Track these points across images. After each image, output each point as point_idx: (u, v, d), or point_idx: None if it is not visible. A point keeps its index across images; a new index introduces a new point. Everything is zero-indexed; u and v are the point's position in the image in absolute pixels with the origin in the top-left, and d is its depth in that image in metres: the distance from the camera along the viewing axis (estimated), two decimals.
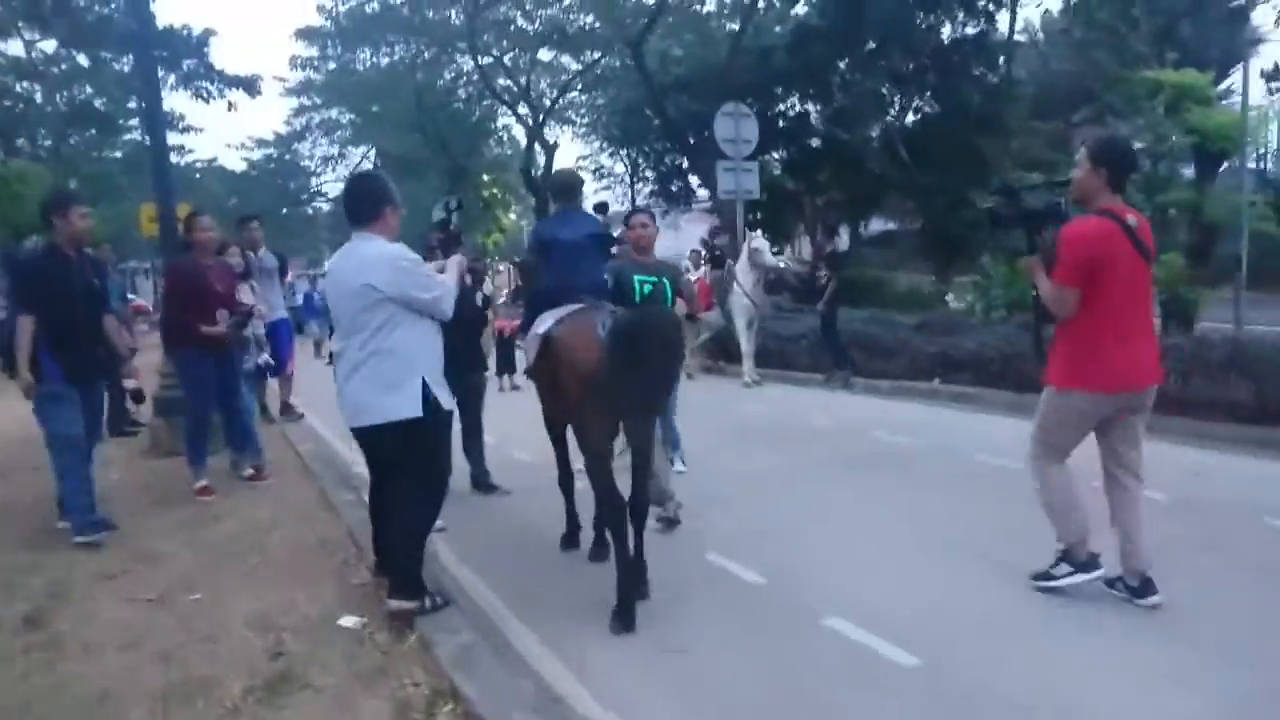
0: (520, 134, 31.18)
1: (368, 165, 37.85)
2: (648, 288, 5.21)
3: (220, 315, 6.56)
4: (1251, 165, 24.82)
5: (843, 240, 16.33)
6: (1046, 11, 27.51)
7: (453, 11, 25.33)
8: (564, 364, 4.31)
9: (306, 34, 27.71)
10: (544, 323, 4.59)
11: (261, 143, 40.19)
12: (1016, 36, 23.99)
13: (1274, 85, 31.53)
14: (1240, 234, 18.14)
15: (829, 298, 10.82)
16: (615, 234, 5.66)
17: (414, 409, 3.90)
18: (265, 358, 8.11)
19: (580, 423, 4.37)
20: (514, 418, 7.27)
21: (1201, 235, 20.63)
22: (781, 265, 12.09)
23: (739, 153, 12.52)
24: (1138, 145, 27.40)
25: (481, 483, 6.56)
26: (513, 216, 50.83)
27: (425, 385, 3.93)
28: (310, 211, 44.49)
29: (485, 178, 36.44)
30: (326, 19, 26.81)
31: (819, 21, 22.56)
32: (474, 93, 30.34)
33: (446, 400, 4.05)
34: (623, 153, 31.41)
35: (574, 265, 4.87)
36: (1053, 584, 4.21)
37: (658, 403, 4.46)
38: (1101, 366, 3.98)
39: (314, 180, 41.68)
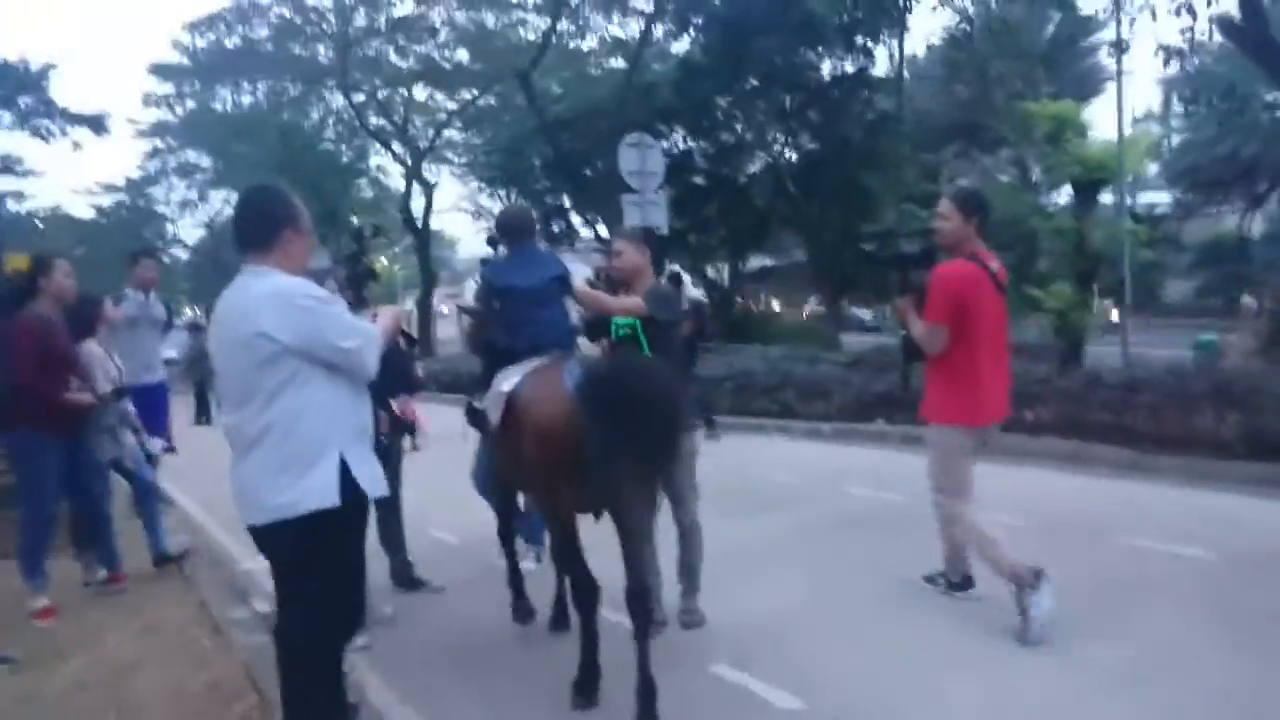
0: (398, 173, 29.86)
1: (229, 210, 35.98)
2: (623, 331, 4.35)
3: (77, 384, 5.27)
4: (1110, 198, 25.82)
5: (690, 290, 15.62)
6: (930, 47, 27.96)
7: (321, 47, 23.98)
8: (527, 426, 3.57)
9: (162, 70, 25.83)
10: (508, 378, 3.80)
11: (111, 188, 37.49)
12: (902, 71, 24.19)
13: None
14: (1122, 261, 18.47)
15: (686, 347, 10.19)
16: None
17: (326, 497, 2.87)
18: (160, 443, 6.64)
19: (547, 496, 3.62)
20: (424, 488, 6.08)
21: (1085, 263, 21.19)
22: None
23: (645, 186, 11.80)
24: (1004, 178, 28.21)
25: (404, 576, 5.32)
26: (384, 261, 49.24)
27: (344, 464, 2.92)
28: (167, 260, 41.71)
29: (355, 220, 34.91)
30: (184, 54, 25.06)
31: (703, 58, 22.32)
32: (344, 132, 28.92)
33: (374, 483, 3.02)
34: (502, 193, 30.65)
35: (534, 316, 4.08)
36: (1035, 624, 4.04)
37: (652, 472, 3.60)
38: (976, 400, 4.29)
39: (170, 227, 39.14)
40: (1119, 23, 14.66)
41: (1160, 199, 32.91)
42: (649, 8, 22.70)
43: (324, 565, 2.95)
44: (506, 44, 24.45)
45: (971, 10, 20.02)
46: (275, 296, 2.86)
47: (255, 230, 3.02)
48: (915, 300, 4.38)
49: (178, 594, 5.50)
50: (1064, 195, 32.36)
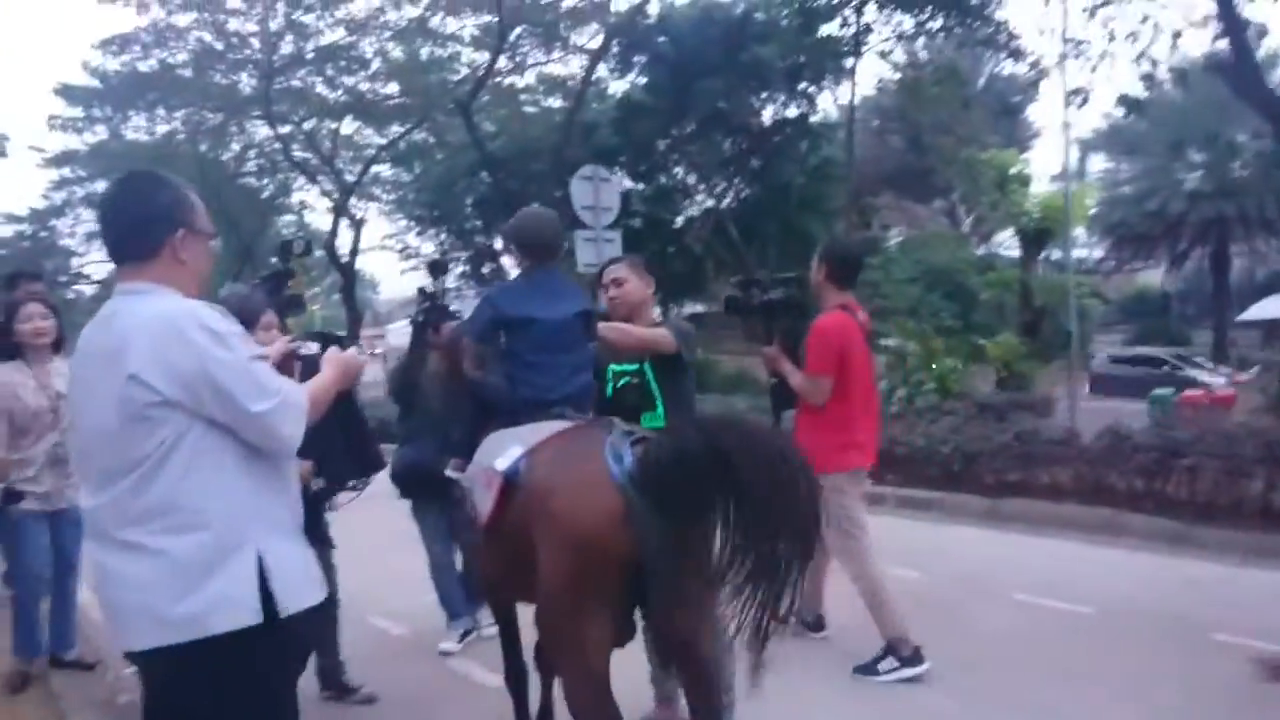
0: (323, 208, 28.59)
1: None
2: (626, 379, 3.51)
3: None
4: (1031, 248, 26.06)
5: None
6: (881, 88, 28.02)
7: (245, 75, 22.79)
8: (548, 526, 2.51)
9: (69, 93, 24.26)
10: (505, 451, 2.80)
11: (12, 218, 35.26)
12: (837, 116, 24.11)
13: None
14: (1069, 311, 18.26)
15: None
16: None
17: (239, 613, 1.98)
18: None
19: (572, 627, 2.51)
20: (360, 560, 4.71)
21: (1032, 314, 21.16)
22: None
23: (599, 221, 11.01)
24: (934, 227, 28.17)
25: (334, 679, 4.26)
26: (315, 289, 47.64)
27: (261, 568, 2.01)
28: (71, 295, 39.40)
29: (274, 260, 33.47)
30: (94, 77, 23.58)
31: (645, 98, 21.87)
32: (267, 165, 27.62)
33: (305, 591, 2.11)
34: (431, 231, 29.70)
35: (553, 361, 3.12)
36: (877, 678, 4.18)
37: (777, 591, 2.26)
38: (859, 445, 4.40)
39: (75, 260, 36.94)
40: (1063, 71, 14.55)
41: (1081, 253, 33.56)
42: (592, 45, 22.19)
43: (236, 708, 2.02)
44: (440, 78, 23.61)
45: (923, 56, 19.92)
46: (156, 325, 1.97)
47: (130, 232, 2.11)
48: (784, 349, 4.41)
49: (36, 706, 4.23)
50: (994, 245, 32.77)
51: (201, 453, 1.99)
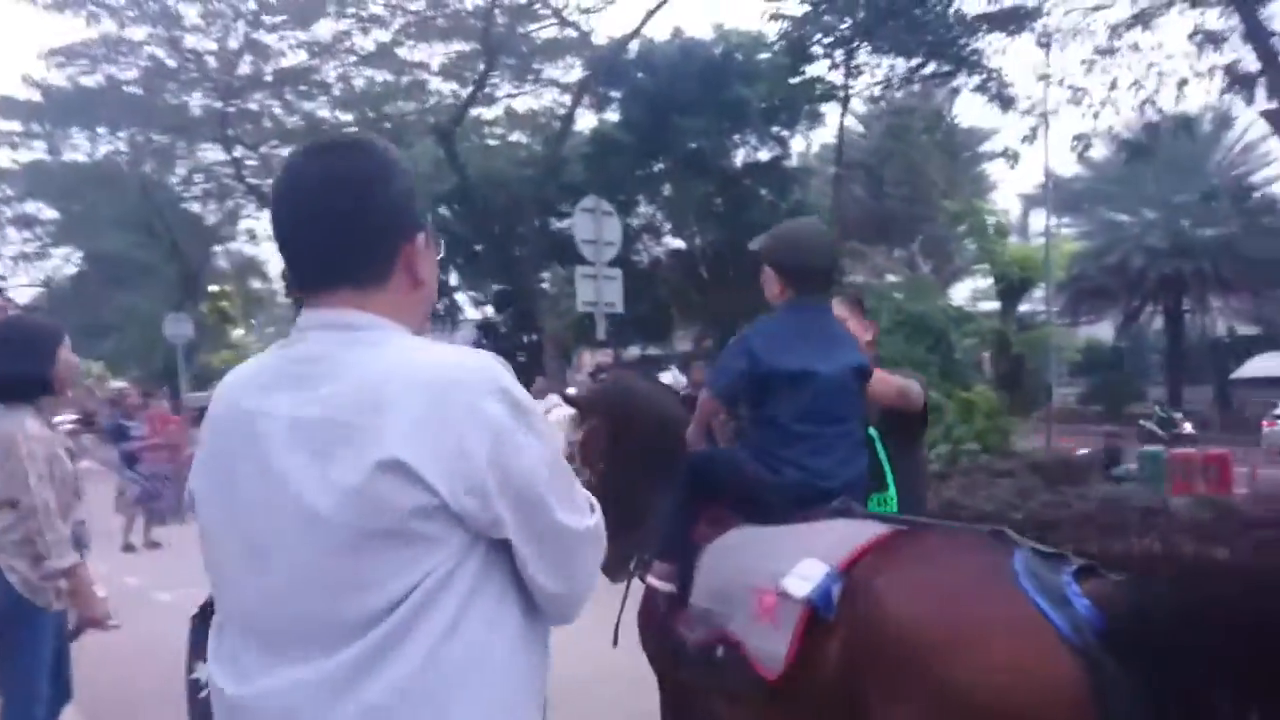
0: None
1: (71, 267, 32.45)
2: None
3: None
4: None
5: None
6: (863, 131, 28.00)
7: (199, 94, 21.76)
8: (940, 706, 1.71)
9: (6, 106, 22.91)
10: (791, 565, 2.02)
11: None
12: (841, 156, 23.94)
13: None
14: (1048, 363, 18.05)
15: None
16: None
17: None
18: None
19: None
20: None
21: (1010, 364, 21.00)
22: None
23: (601, 257, 10.33)
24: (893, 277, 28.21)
25: None
26: (240, 332, 46.01)
27: None
28: None
29: (213, 289, 32.16)
30: (35, 89, 22.31)
31: (620, 134, 21.39)
32: (215, 189, 26.46)
33: None
34: None
35: (830, 433, 2.38)
36: None
37: None
38: None
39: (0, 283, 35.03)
40: (1047, 127, 14.39)
41: (1040, 307, 33.95)
42: (566, 78, 21.71)
43: None
44: (404, 107, 22.89)
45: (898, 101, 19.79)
46: (431, 388, 1.21)
47: (352, 239, 1.31)
48: None
49: None
50: (950, 296, 32.82)
51: (478, 602, 1.22)
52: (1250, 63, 11.32)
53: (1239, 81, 11.66)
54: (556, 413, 8.29)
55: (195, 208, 27.74)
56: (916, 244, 32.43)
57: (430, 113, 21.71)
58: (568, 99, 22.48)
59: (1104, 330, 32.49)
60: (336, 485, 1.18)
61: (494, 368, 1.29)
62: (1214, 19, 11.65)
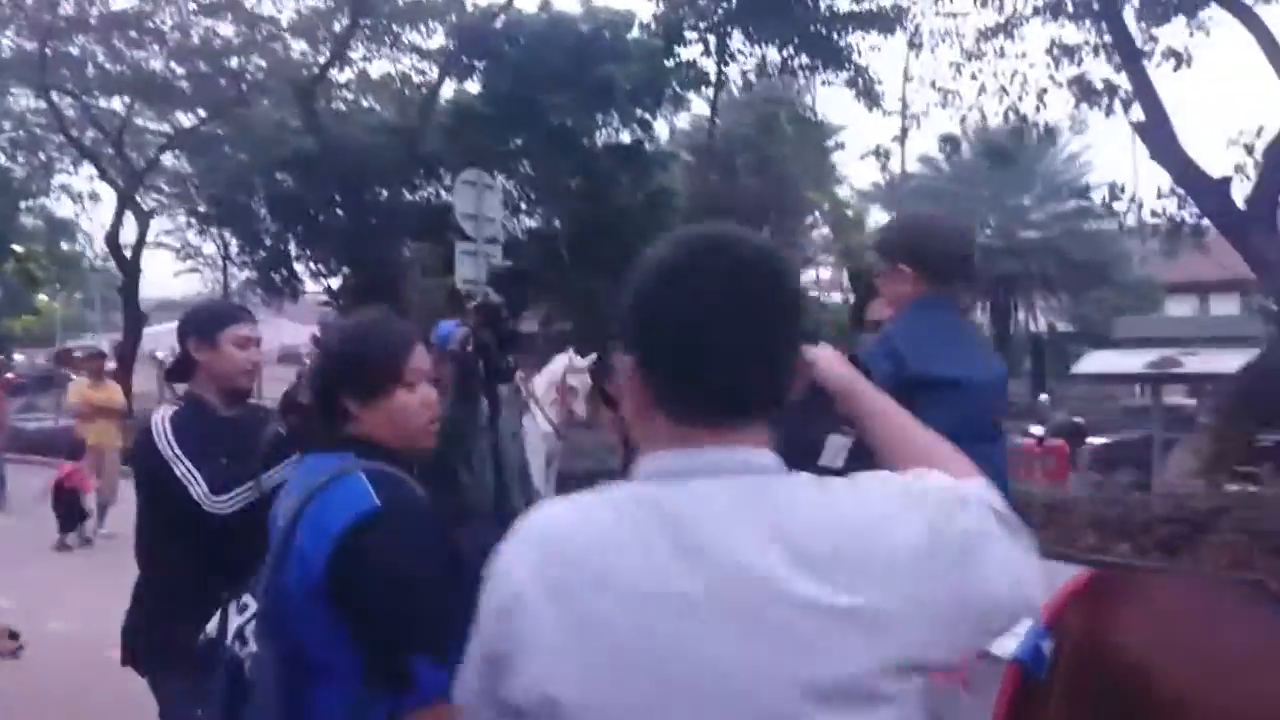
0: (105, 194, 25.14)
1: None
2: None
3: None
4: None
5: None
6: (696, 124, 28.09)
7: (11, 31, 19.65)
8: None
9: None
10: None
11: None
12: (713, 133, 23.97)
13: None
14: None
15: None
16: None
17: None
18: None
19: None
20: None
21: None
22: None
23: (481, 232, 9.88)
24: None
25: None
26: (43, 297, 42.50)
27: None
28: None
29: (18, 249, 29.33)
30: None
31: (481, 106, 20.73)
32: (25, 139, 24.04)
33: None
34: (214, 231, 26.98)
35: (979, 452, 2.01)
36: None
37: None
38: None
39: None
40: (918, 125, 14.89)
41: None
42: (428, 44, 20.84)
43: None
44: (242, 67, 21.38)
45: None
46: (908, 517, 1.10)
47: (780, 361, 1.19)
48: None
49: None
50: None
51: None
52: (1100, 76, 11.95)
53: (1088, 94, 12.24)
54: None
55: (1, 159, 25.14)
56: (765, 232, 33.14)
57: (278, 72, 20.38)
58: (427, 66, 21.61)
59: None
60: (784, 635, 1.07)
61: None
62: (1072, 32, 12.21)
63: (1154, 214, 10.47)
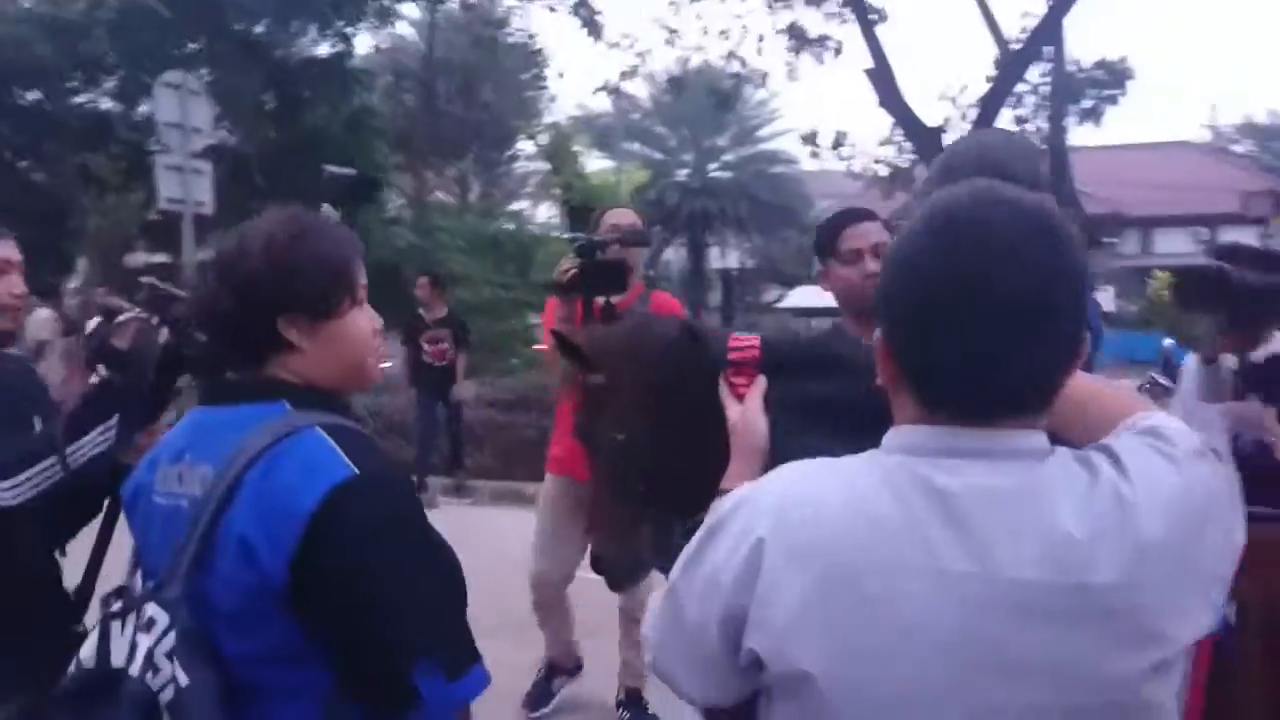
0: None
1: None
2: None
3: None
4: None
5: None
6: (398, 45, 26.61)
7: None
8: None
9: None
10: None
11: None
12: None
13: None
14: None
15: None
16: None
17: None
18: None
19: None
20: None
21: None
22: None
23: (187, 145, 8.64)
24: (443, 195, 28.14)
25: None
26: None
27: None
28: None
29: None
30: None
31: (155, 3, 18.27)
32: None
33: None
34: None
35: None
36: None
37: None
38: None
39: None
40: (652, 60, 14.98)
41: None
42: None
43: None
44: None
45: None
46: (1188, 500, 1.04)
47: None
48: None
49: None
50: (501, 219, 33.45)
51: None
52: (814, 26, 12.57)
53: (805, 43, 12.85)
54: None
55: None
56: (468, 163, 32.25)
57: None
58: None
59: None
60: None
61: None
62: None
63: (876, 161, 11.24)
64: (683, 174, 30.33)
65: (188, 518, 1.39)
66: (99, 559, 2.05)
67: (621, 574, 1.94)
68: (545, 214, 30.17)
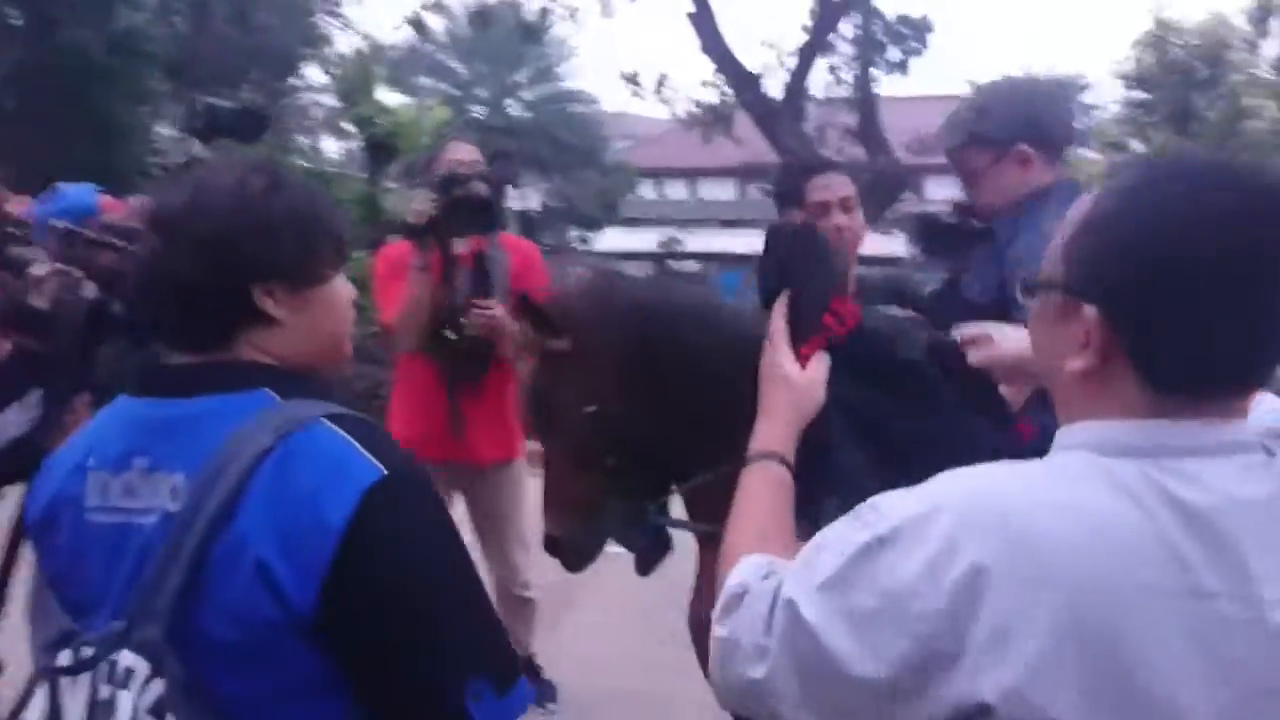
0: None
1: None
2: None
3: None
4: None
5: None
6: None
7: None
8: None
9: None
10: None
11: None
12: None
13: None
14: None
15: None
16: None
17: None
18: None
19: None
20: None
21: (380, 231, 20.64)
22: None
23: None
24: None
25: None
26: None
27: None
28: None
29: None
30: None
31: None
32: None
33: None
34: None
35: None
36: None
37: None
38: None
39: None
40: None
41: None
42: None
43: None
44: None
45: None
46: None
47: None
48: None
49: None
50: (293, 152, 31.59)
51: None
52: None
53: None
54: None
55: None
56: (249, 88, 30.09)
57: None
58: None
59: None
60: None
61: None
62: None
63: (696, 103, 11.45)
64: (479, 110, 29.64)
65: (157, 538, 1.15)
66: (5, 576, 1.77)
67: (579, 555, 1.85)
68: (333, 150, 28.68)
